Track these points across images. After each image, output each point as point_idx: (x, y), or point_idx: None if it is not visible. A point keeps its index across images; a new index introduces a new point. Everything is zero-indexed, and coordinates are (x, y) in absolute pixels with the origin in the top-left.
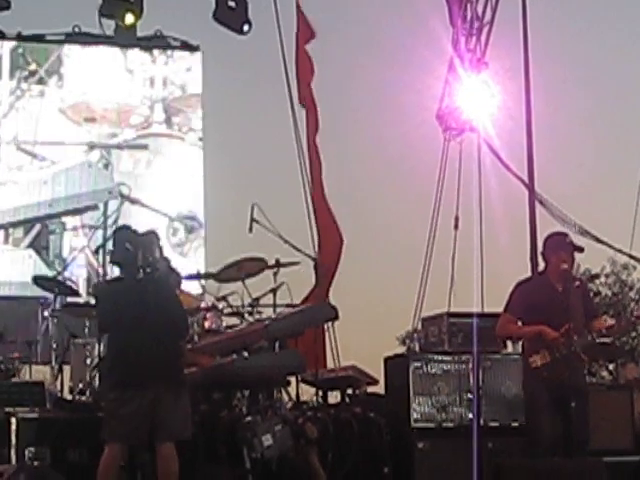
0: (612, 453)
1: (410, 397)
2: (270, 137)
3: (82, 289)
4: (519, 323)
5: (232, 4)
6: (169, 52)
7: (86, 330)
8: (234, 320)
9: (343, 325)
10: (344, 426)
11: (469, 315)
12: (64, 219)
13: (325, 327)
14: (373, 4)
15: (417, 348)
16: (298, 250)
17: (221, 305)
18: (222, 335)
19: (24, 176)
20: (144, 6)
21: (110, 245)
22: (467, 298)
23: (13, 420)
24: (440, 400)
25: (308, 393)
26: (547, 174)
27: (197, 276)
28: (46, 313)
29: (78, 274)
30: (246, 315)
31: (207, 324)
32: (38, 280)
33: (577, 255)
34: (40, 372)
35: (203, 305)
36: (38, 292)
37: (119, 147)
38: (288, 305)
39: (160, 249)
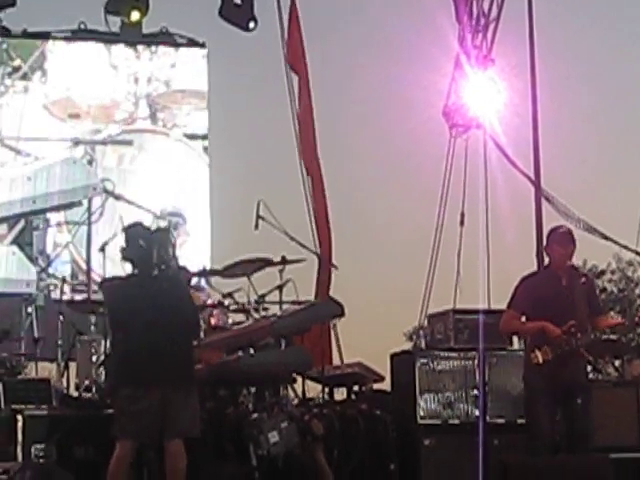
0: (618, 450)
1: (416, 394)
2: (276, 133)
3: (66, 286)
4: (523, 318)
5: (238, 1)
6: (153, 48)
7: (92, 327)
8: (240, 317)
9: (349, 322)
10: (350, 423)
11: (475, 312)
12: (48, 215)
13: (331, 324)
14: (379, 1)
15: (423, 345)
16: (304, 247)
17: (227, 302)
18: (228, 332)
19: (8, 172)
20: (150, 3)
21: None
22: (473, 294)
23: (19, 417)
24: (446, 397)
25: (314, 390)
26: (553, 171)
27: (202, 273)
28: (30, 309)
29: (62, 270)
30: (252, 312)
31: (213, 321)
32: None
33: (583, 251)
34: (46, 369)
35: (209, 302)
36: (22, 289)
37: (103, 143)
38: (294, 302)
39: (173, 246)
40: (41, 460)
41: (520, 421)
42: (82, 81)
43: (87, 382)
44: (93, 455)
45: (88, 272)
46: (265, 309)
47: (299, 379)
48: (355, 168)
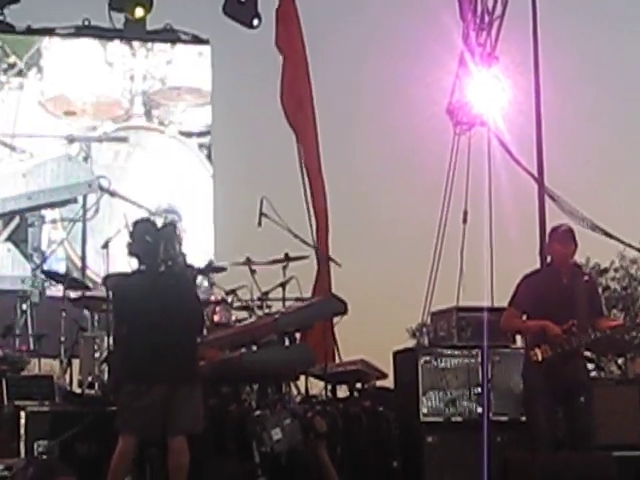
0: (621, 447)
1: (419, 391)
2: (279, 130)
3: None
4: (524, 316)
5: None
6: (149, 45)
7: (95, 323)
8: (243, 314)
9: (352, 319)
10: (353, 420)
11: (478, 309)
12: (43, 212)
13: (334, 321)
14: None
15: (426, 342)
16: (307, 244)
17: (230, 299)
18: (231, 329)
19: (3, 169)
20: (154, 0)
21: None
22: (476, 292)
23: (22, 414)
24: (449, 394)
25: (317, 387)
26: (557, 168)
27: (206, 269)
28: (24, 306)
29: (57, 267)
30: (255, 309)
31: (216, 318)
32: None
33: (587, 249)
34: (49, 366)
35: (212, 299)
36: (17, 285)
37: (99, 140)
38: (297, 299)
39: (180, 243)
40: (44, 456)
41: (523, 419)
42: (78, 78)
43: (90, 378)
44: (96, 451)
45: (83, 269)
46: (268, 306)
47: (302, 376)
48: (359, 165)
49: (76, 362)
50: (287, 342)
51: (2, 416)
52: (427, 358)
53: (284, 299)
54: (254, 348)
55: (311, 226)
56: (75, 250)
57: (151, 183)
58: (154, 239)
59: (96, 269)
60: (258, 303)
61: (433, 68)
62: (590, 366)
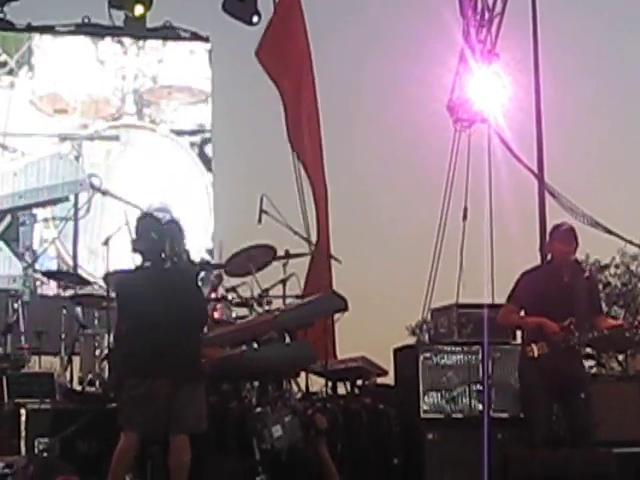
0: (621, 444)
1: (419, 388)
2: (279, 127)
3: (52, 282)
4: (522, 312)
5: None
6: (140, 43)
7: (95, 321)
8: (243, 311)
9: (353, 316)
10: (353, 417)
11: (478, 306)
12: (35, 211)
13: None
14: None
15: (426, 339)
16: (308, 241)
17: (230, 296)
18: (231, 326)
19: None
20: None
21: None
22: (477, 289)
23: (23, 411)
24: (449, 391)
25: (317, 384)
26: (557, 165)
27: (205, 267)
28: (16, 305)
29: (48, 266)
30: (255, 306)
31: (217, 315)
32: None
33: (587, 245)
34: (49, 363)
35: (213, 296)
36: (9, 284)
37: (90, 138)
38: (297, 296)
39: (184, 239)
40: (44, 454)
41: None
42: (69, 76)
43: (90, 376)
44: (96, 449)
45: (75, 268)
46: (268, 303)
47: (302, 373)
48: (359, 162)
49: (76, 359)
50: (287, 339)
51: (2, 414)
52: (427, 355)
53: (284, 296)
54: (255, 345)
55: (304, 219)
56: (67, 249)
57: (143, 181)
58: (159, 235)
59: (88, 268)
60: (258, 300)
61: (433, 65)
62: (591, 362)
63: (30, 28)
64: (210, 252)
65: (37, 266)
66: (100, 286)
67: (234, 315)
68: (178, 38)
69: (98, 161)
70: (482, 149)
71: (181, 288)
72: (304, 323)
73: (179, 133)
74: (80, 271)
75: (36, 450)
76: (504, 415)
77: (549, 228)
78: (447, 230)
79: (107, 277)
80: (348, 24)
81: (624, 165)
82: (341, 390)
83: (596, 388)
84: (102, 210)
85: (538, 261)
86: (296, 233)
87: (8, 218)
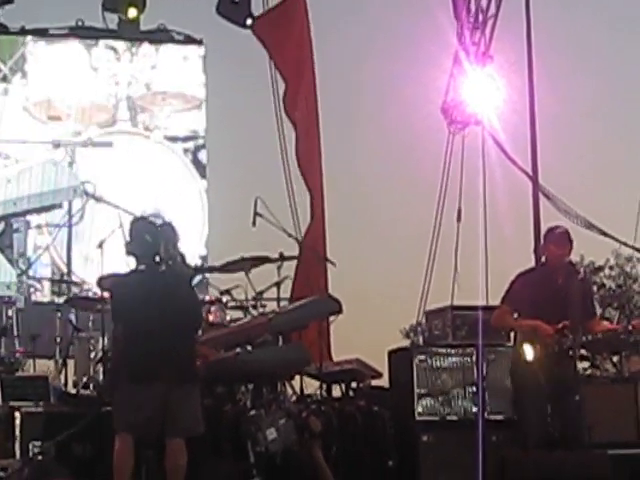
0: (616, 446)
1: (414, 390)
2: (273, 130)
3: (46, 289)
4: (515, 314)
5: None
6: (134, 49)
7: (90, 324)
8: (238, 314)
9: (347, 318)
10: (348, 419)
11: (473, 308)
12: (28, 217)
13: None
14: None
15: (421, 341)
16: (301, 244)
17: (225, 299)
18: (226, 329)
19: None
20: (147, 0)
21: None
22: (471, 291)
23: (17, 414)
24: (444, 393)
25: (312, 386)
26: (551, 167)
27: (200, 269)
28: (10, 312)
29: (42, 273)
30: (250, 309)
31: (211, 318)
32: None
33: (581, 247)
34: (44, 366)
35: (207, 298)
36: (2, 291)
37: (84, 145)
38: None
39: (178, 242)
40: (39, 457)
41: None
42: (62, 83)
43: (85, 379)
44: (91, 452)
45: (68, 274)
46: (263, 306)
47: (297, 376)
48: (353, 164)
49: (71, 363)
50: (281, 342)
51: None
52: (422, 357)
53: (279, 299)
54: (249, 348)
55: (294, 220)
56: (61, 255)
57: (136, 188)
58: (154, 238)
59: (82, 274)
60: (253, 303)
61: (428, 67)
62: (585, 364)
63: (24, 31)
64: (204, 258)
65: (31, 273)
66: (94, 292)
67: (228, 318)
68: (172, 41)
69: (92, 168)
70: (476, 151)
71: (176, 290)
72: (298, 326)
73: (173, 139)
74: (74, 277)
75: (31, 453)
76: (499, 417)
77: (543, 230)
78: (442, 232)
79: (101, 281)
80: (343, 26)
81: (618, 167)
82: (336, 393)
83: (591, 390)
84: (96, 217)
85: (532, 263)
86: (290, 236)
87: (1, 225)
